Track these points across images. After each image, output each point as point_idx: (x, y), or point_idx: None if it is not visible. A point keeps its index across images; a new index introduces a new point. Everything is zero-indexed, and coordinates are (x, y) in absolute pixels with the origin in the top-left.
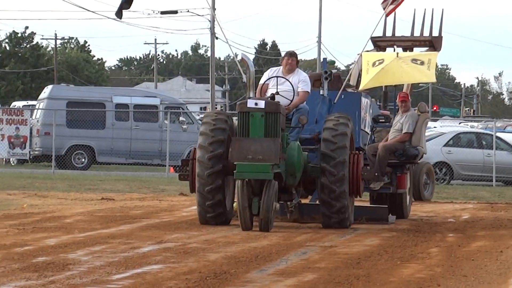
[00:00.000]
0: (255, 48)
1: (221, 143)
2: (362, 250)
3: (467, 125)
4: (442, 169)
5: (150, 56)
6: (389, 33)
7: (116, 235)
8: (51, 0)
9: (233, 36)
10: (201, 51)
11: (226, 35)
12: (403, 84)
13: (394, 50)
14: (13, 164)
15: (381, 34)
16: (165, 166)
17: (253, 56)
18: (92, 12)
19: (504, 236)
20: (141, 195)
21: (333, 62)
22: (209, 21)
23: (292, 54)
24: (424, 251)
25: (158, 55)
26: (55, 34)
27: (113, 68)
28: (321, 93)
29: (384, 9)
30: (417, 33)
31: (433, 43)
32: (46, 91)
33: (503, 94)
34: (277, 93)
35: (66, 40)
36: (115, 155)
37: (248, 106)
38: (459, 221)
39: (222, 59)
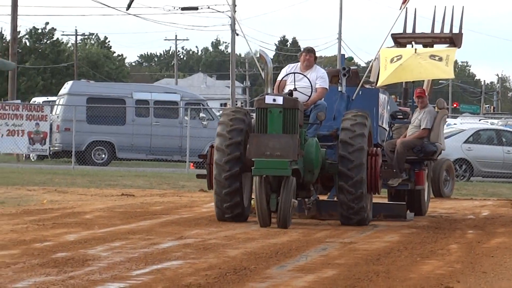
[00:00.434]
0: (276, 44)
1: (238, 145)
2: (382, 246)
3: (487, 122)
4: (462, 166)
5: (170, 52)
6: (409, 30)
7: (136, 231)
8: None
9: (254, 32)
10: (222, 48)
11: (246, 32)
12: (422, 81)
13: (412, 46)
14: (33, 160)
15: (401, 31)
16: (185, 162)
17: (273, 52)
18: (113, 8)
19: None
20: (161, 191)
21: (351, 59)
22: (230, 17)
23: (310, 50)
24: (443, 247)
25: (179, 51)
26: (76, 30)
27: (133, 64)
28: (339, 89)
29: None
30: (437, 30)
31: (453, 40)
32: (67, 87)
33: None
34: (295, 89)
35: (86, 36)
36: (135, 151)
37: (266, 102)
38: (479, 217)
39: (242, 55)
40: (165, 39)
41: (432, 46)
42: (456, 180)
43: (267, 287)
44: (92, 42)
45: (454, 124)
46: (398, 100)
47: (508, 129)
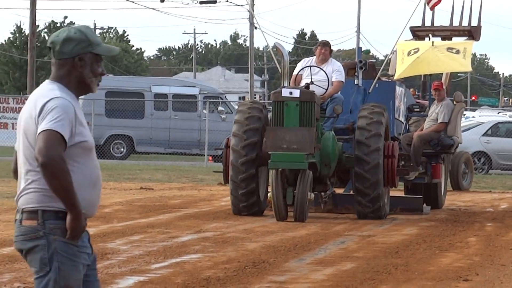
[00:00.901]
0: (294, 38)
1: (255, 131)
2: (401, 239)
3: (506, 114)
4: (480, 158)
5: (189, 46)
6: (427, 23)
7: (155, 224)
8: None
9: (272, 26)
10: (240, 41)
11: (265, 25)
12: (440, 74)
13: (430, 39)
14: None
15: (420, 24)
16: (204, 155)
17: (292, 46)
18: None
19: None
20: (180, 185)
21: (368, 51)
22: (248, 11)
23: (325, 44)
24: (462, 240)
25: (197, 44)
26: (94, 24)
27: (152, 58)
28: (355, 82)
29: (428, 3)
30: (455, 23)
31: (472, 33)
32: None
33: None
34: (312, 82)
35: (105, 30)
36: (154, 144)
37: (282, 95)
38: (498, 210)
39: (261, 49)
40: (184, 33)
41: (451, 39)
42: (475, 173)
43: (286, 281)
44: (111, 35)
45: (473, 117)
46: (417, 93)
47: None
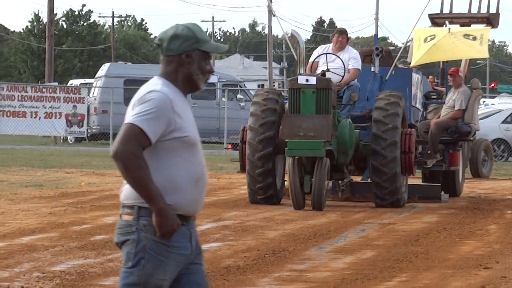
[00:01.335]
0: (313, 25)
1: (271, 124)
2: (421, 227)
3: None
4: (500, 146)
5: (207, 34)
6: (446, 10)
7: None
8: None
9: (291, 13)
10: (259, 29)
11: (283, 13)
12: (458, 60)
13: (446, 26)
14: (70, 142)
15: (438, 11)
16: (223, 143)
17: (311, 33)
18: None
19: None
20: None
21: (385, 39)
22: None
23: (342, 32)
24: (482, 228)
25: (216, 32)
26: (112, 12)
27: None
28: (372, 70)
29: None
30: (474, 10)
31: (490, 20)
32: (104, 69)
33: None
34: (328, 70)
35: (123, 18)
36: None
37: (299, 82)
38: None
39: (279, 36)
40: (202, 21)
41: (469, 26)
42: (494, 160)
43: (306, 269)
44: (129, 24)
45: (492, 104)
46: (436, 80)
47: None
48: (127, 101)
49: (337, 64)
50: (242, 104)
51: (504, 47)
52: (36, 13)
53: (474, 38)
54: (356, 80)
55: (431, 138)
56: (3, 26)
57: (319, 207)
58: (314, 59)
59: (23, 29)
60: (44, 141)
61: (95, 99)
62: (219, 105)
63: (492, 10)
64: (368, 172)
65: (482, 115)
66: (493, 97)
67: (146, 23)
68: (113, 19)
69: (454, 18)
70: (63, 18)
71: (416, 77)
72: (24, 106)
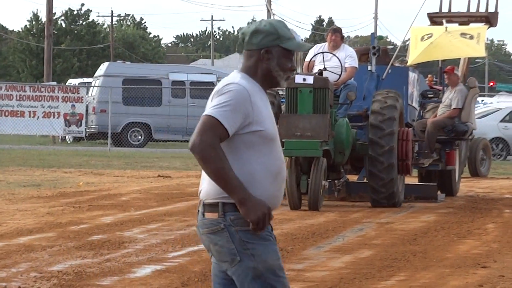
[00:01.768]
0: (312, 24)
1: None
2: (419, 226)
3: None
4: (498, 145)
5: (206, 33)
6: (445, 9)
7: (172, 212)
8: None
9: (290, 12)
10: None
11: (283, 12)
12: (457, 59)
13: (443, 24)
14: (69, 141)
15: (437, 10)
16: None
17: (310, 32)
18: None
19: None
20: (198, 172)
21: (382, 37)
22: None
23: (336, 30)
24: (480, 227)
25: (215, 31)
26: (111, 11)
27: (169, 45)
28: (369, 68)
29: None
30: (473, 9)
31: (489, 19)
32: (102, 68)
33: None
34: (325, 69)
35: (122, 17)
36: (171, 132)
37: (296, 81)
38: None
39: None
40: (201, 20)
41: (468, 25)
42: (493, 159)
43: (304, 268)
44: (128, 23)
45: (491, 103)
46: (435, 79)
47: None
48: (126, 100)
49: (333, 62)
50: None
51: (503, 46)
52: (35, 12)
53: (471, 37)
54: (353, 79)
55: (428, 137)
56: (2, 25)
57: (315, 207)
58: (311, 59)
59: (21, 28)
60: (42, 141)
61: (93, 98)
62: None
63: (491, 9)
64: (365, 172)
65: (480, 114)
66: (491, 96)
67: (145, 22)
68: (112, 18)
69: (453, 17)
70: (62, 18)
71: (412, 75)
72: (23, 105)
